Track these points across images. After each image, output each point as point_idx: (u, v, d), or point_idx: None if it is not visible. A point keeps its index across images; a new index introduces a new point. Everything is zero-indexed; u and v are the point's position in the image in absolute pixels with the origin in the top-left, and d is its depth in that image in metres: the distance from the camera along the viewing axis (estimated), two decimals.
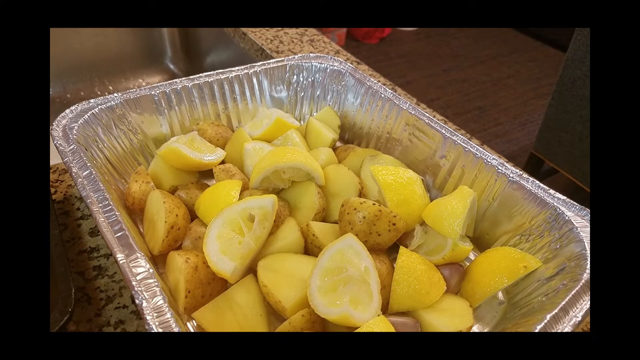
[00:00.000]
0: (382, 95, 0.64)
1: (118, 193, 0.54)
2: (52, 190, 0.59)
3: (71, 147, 0.50)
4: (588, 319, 0.40)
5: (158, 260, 0.50)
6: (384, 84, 0.87)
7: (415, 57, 2.79)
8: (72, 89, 1.14)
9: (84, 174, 0.47)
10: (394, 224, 0.48)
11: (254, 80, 0.68)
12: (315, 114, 0.73)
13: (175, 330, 0.35)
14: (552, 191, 0.49)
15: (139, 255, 0.40)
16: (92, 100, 0.57)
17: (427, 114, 0.60)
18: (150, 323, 0.35)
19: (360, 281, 0.43)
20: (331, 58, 0.71)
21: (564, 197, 0.49)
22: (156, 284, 0.38)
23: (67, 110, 0.55)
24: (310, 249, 0.50)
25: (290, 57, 0.71)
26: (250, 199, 0.48)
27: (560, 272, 0.44)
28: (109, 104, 0.57)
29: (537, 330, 0.37)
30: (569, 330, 0.37)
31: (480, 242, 0.55)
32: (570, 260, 0.44)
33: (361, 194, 0.57)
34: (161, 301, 0.36)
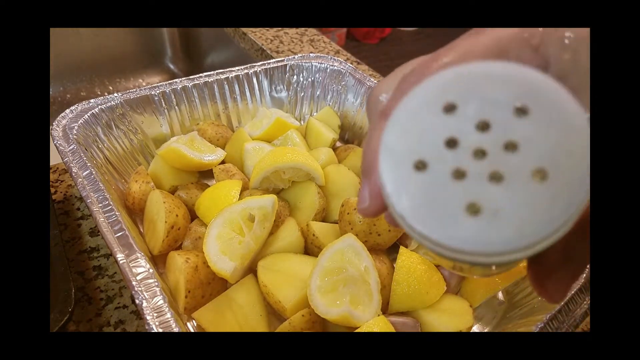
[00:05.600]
0: None
1: (118, 193, 0.54)
2: (52, 190, 0.59)
3: (71, 147, 0.50)
4: (588, 319, 0.40)
5: (158, 260, 0.50)
6: None
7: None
8: (72, 89, 1.14)
9: (84, 174, 0.47)
10: None
11: (254, 80, 0.68)
12: (315, 114, 0.73)
13: (175, 330, 0.35)
14: None
15: (139, 255, 0.40)
16: (92, 100, 0.57)
17: None
18: (150, 323, 0.35)
19: (360, 281, 0.43)
20: (331, 58, 0.71)
21: None
22: (156, 284, 0.38)
23: (67, 110, 0.55)
24: (310, 249, 0.50)
25: (290, 57, 0.71)
26: (250, 199, 0.48)
27: None
28: (109, 104, 0.57)
29: (537, 330, 0.37)
30: (569, 330, 0.37)
31: None
32: None
33: None
34: (161, 301, 0.36)
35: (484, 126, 0.16)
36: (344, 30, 2.84)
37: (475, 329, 0.47)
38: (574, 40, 0.20)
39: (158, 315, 0.35)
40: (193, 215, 0.54)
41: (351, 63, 0.93)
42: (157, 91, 0.61)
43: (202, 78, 0.64)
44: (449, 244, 0.16)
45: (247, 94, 0.69)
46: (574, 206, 0.15)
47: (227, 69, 0.67)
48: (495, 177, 0.16)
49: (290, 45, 0.98)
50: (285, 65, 0.70)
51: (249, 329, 0.43)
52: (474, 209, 0.15)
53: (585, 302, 0.39)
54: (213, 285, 0.45)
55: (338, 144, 0.70)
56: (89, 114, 0.55)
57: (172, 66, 1.25)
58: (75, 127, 0.53)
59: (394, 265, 0.46)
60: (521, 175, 0.15)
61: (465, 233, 0.15)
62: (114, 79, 1.19)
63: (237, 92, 0.68)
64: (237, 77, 0.67)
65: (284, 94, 0.72)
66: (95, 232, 0.55)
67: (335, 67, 0.70)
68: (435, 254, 0.17)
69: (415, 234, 0.17)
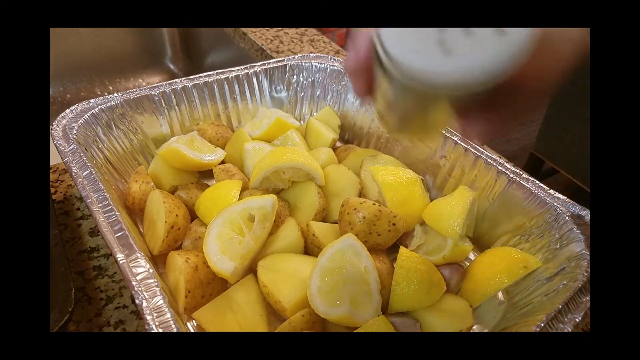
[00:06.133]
0: None
1: (118, 193, 0.54)
2: (52, 190, 0.59)
3: (71, 147, 0.50)
4: (588, 319, 0.40)
5: (158, 260, 0.50)
6: None
7: None
8: (72, 89, 1.14)
9: (84, 174, 0.47)
10: (394, 224, 0.48)
11: (254, 80, 0.68)
12: (315, 114, 0.73)
13: (175, 330, 0.35)
14: (552, 191, 0.49)
15: (139, 255, 0.40)
16: (92, 100, 0.57)
17: None
18: (150, 323, 0.35)
19: (360, 281, 0.43)
20: (331, 58, 0.71)
21: (564, 197, 0.49)
22: (156, 284, 0.38)
23: (67, 110, 0.55)
24: (310, 249, 0.50)
25: (290, 57, 0.71)
26: (250, 199, 0.48)
27: (560, 272, 0.44)
28: (109, 104, 0.57)
29: (537, 330, 0.37)
30: (569, 330, 0.37)
31: (480, 242, 0.55)
32: (570, 260, 0.44)
33: (361, 194, 0.57)
34: (161, 301, 0.36)
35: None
36: (344, 30, 2.84)
37: (475, 329, 0.47)
38: None
39: (158, 315, 0.35)
40: (193, 215, 0.54)
41: None
42: (157, 91, 0.61)
43: (202, 78, 0.64)
44: (425, 70, 0.21)
45: (247, 94, 0.69)
46: (520, 53, 0.21)
47: (227, 69, 0.67)
48: (468, 33, 0.21)
49: (290, 45, 0.98)
50: (285, 65, 0.70)
51: (249, 329, 0.43)
52: (449, 51, 0.21)
53: (585, 302, 0.39)
54: (213, 285, 0.45)
55: (338, 144, 0.70)
56: (89, 114, 0.55)
57: (172, 66, 1.25)
58: (75, 127, 0.53)
59: (394, 265, 0.46)
60: (486, 32, 0.21)
61: (440, 65, 0.21)
62: (114, 79, 1.19)
63: (237, 92, 0.68)
64: (237, 77, 0.67)
65: (284, 94, 0.72)
66: (95, 232, 0.55)
67: (335, 67, 0.70)
68: (409, 89, 0.23)
69: (395, 65, 0.22)
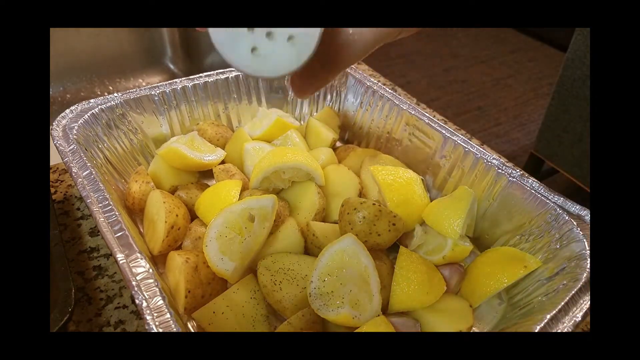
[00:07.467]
0: (382, 95, 0.64)
1: (118, 193, 0.54)
2: (52, 190, 0.59)
3: (71, 147, 0.50)
4: (588, 319, 0.40)
5: (158, 260, 0.50)
6: (384, 84, 0.87)
7: (415, 57, 2.79)
8: (72, 89, 1.14)
9: (84, 174, 0.47)
10: (394, 224, 0.48)
11: (254, 80, 0.68)
12: (315, 114, 0.73)
13: (175, 330, 0.35)
14: (552, 191, 0.49)
15: (139, 255, 0.40)
16: (92, 100, 0.57)
17: (427, 114, 0.60)
18: (150, 323, 0.35)
19: (360, 281, 0.43)
20: None
21: (564, 197, 0.49)
22: (156, 284, 0.38)
23: (67, 110, 0.55)
24: (310, 249, 0.50)
25: None
26: (250, 199, 0.48)
27: (560, 272, 0.44)
28: (109, 104, 0.57)
29: (537, 330, 0.37)
30: (569, 330, 0.37)
31: (480, 242, 0.55)
32: (570, 260, 0.44)
33: (361, 194, 0.57)
34: (161, 301, 0.36)
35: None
36: None
37: (475, 329, 0.47)
38: None
39: (158, 315, 0.36)
40: (193, 215, 0.54)
41: None
42: (157, 91, 0.61)
43: (202, 78, 0.64)
44: (239, 67, 0.28)
45: (247, 94, 0.69)
46: (306, 56, 0.28)
47: (227, 69, 0.67)
48: (269, 35, 0.28)
49: None
50: None
51: (249, 329, 0.43)
52: (257, 55, 0.28)
53: (585, 302, 0.39)
54: (213, 285, 0.45)
55: (338, 144, 0.70)
56: (89, 114, 0.55)
57: (172, 66, 1.25)
58: (75, 127, 0.53)
59: (394, 265, 0.46)
60: (282, 38, 0.27)
61: (250, 62, 0.28)
62: (114, 79, 1.19)
63: (237, 92, 0.68)
64: (237, 77, 0.67)
65: (283, 94, 0.72)
66: (95, 232, 0.55)
67: None
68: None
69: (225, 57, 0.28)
